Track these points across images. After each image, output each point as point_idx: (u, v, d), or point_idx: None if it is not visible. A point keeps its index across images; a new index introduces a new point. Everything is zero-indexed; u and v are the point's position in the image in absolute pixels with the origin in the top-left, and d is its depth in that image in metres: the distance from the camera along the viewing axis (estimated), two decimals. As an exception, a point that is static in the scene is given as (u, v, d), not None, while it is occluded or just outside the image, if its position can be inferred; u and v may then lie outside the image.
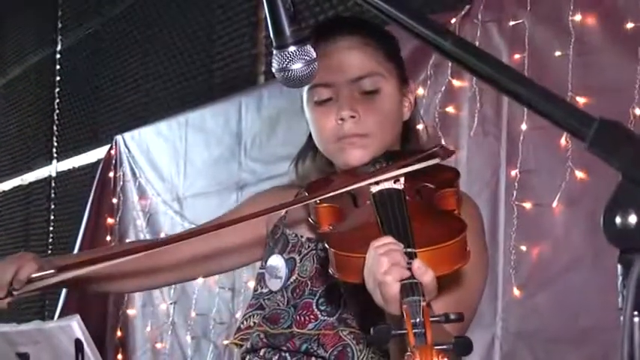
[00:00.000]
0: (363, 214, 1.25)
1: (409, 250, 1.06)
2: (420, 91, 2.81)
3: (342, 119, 1.39)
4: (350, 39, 1.42)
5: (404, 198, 1.22)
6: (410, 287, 1.00)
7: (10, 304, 1.46)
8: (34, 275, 1.44)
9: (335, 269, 1.16)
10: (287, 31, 1.07)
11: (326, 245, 1.18)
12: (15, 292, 1.45)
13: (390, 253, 1.04)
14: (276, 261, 1.48)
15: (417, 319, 0.96)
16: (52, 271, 1.44)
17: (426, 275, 1.03)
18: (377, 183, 1.28)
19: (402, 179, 1.29)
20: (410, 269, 1.02)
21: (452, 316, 0.99)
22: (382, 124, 1.42)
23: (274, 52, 1.09)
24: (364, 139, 1.40)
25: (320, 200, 1.30)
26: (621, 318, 0.65)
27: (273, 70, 1.11)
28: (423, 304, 0.98)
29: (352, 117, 1.39)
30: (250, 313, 1.46)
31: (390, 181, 1.28)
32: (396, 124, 1.46)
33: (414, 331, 0.94)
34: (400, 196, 1.23)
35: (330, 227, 1.29)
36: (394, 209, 1.17)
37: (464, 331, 1.37)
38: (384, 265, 1.03)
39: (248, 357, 1.42)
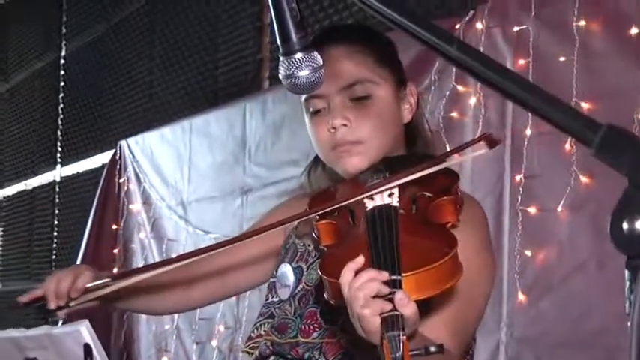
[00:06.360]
0: (356, 233, 1.24)
1: (394, 277, 1.05)
2: (425, 96, 2.81)
3: (334, 128, 1.40)
4: (339, 48, 1.43)
5: (395, 217, 1.20)
6: (391, 321, 1.00)
7: (65, 316, 1.47)
8: (90, 284, 1.46)
9: (329, 295, 1.15)
10: (294, 37, 1.07)
11: (319, 271, 1.18)
12: (72, 303, 1.47)
13: (366, 286, 1.04)
14: (285, 269, 1.49)
15: (397, 354, 0.97)
16: (108, 279, 1.46)
17: (407, 307, 1.02)
18: (372, 197, 1.27)
19: (397, 191, 1.27)
20: (392, 300, 1.02)
21: (432, 348, 1.01)
22: (376, 129, 1.41)
23: (281, 58, 1.09)
24: (358, 145, 1.41)
25: (319, 217, 1.30)
26: (628, 323, 0.65)
27: (280, 76, 1.11)
28: (403, 338, 0.98)
29: (344, 125, 1.40)
30: (261, 322, 1.46)
31: (386, 193, 1.27)
32: (393, 128, 1.45)
33: None
34: (391, 215, 1.21)
35: (326, 247, 1.29)
36: (384, 231, 1.16)
37: (467, 342, 1.36)
38: (360, 300, 1.03)
39: None
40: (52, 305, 1.46)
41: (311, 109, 1.44)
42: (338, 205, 1.29)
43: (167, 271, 1.42)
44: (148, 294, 1.61)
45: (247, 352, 1.46)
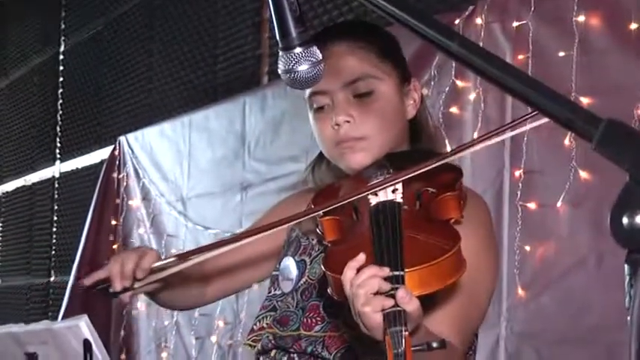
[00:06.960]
0: (360, 229, 1.25)
1: (396, 273, 1.05)
2: (424, 91, 2.81)
3: (337, 124, 1.41)
4: (341, 44, 1.43)
5: (399, 213, 1.21)
6: (393, 317, 1.01)
7: (131, 298, 1.43)
8: (155, 265, 1.42)
9: (333, 291, 1.16)
10: (293, 32, 1.07)
11: (322, 267, 1.18)
12: (137, 285, 1.42)
13: (367, 283, 1.05)
14: (288, 263, 1.49)
15: (399, 350, 0.97)
16: (174, 258, 1.43)
17: (410, 304, 1.03)
18: (375, 193, 1.27)
19: (400, 187, 1.28)
20: (394, 296, 1.02)
21: (434, 344, 1.01)
22: (380, 125, 1.42)
23: (280, 53, 1.09)
24: (362, 141, 1.41)
25: (323, 213, 1.30)
26: (628, 318, 0.65)
27: (279, 71, 1.11)
28: (405, 334, 0.99)
29: (347, 121, 1.40)
30: (263, 315, 1.47)
31: (389, 189, 1.27)
32: (396, 124, 1.46)
33: None
34: (395, 210, 1.21)
35: (330, 243, 1.30)
36: (387, 227, 1.16)
37: (470, 338, 1.37)
38: (361, 298, 1.04)
39: (260, 358, 1.44)
40: (118, 287, 1.40)
41: (315, 106, 1.45)
42: (342, 202, 1.29)
43: (188, 267, 1.41)
44: (177, 287, 1.58)
45: (249, 345, 1.46)
